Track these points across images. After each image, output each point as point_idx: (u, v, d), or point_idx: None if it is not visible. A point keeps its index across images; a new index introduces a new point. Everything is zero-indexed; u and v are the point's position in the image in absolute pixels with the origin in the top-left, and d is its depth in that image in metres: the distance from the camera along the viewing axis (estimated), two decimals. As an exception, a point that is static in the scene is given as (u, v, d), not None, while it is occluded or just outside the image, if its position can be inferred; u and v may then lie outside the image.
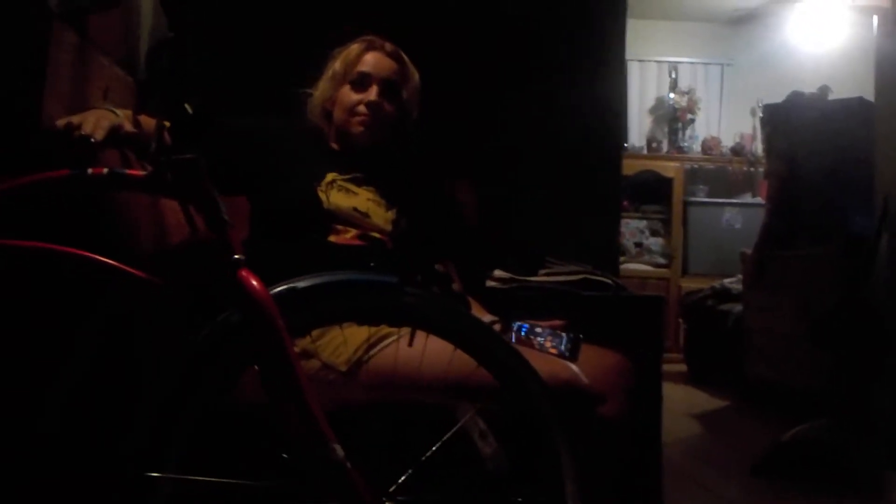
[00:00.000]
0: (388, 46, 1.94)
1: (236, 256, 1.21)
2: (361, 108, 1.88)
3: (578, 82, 2.72)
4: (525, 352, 1.39)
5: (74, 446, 1.28)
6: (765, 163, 5.11)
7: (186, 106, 1.23)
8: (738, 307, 4.71)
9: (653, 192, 6.52)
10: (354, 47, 1.93)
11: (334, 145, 1.93)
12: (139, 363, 1.33)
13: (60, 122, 1.45)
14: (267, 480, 1.16)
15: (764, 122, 4.92)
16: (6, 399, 1.33)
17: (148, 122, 1.57)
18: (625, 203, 6.18)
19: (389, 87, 1.90)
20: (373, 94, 1.88)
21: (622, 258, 5.84)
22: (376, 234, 1.80)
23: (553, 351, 1.67)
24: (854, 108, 4.02)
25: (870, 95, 3.64)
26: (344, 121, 1.89)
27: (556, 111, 2.70)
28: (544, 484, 1.31)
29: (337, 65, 1.92)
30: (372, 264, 1.68)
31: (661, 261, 6.40)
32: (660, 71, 6.85)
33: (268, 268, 1.23)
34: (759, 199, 6.16)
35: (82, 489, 1.28)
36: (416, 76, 1.97)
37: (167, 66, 1.23)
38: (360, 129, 1.88)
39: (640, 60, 6.68)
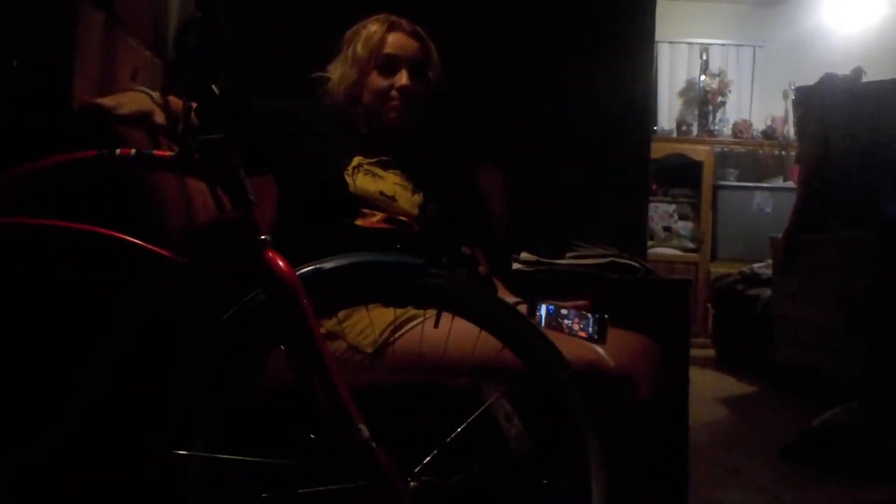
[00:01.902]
0: (407, 25, 1.90)
1: (262, 237, 1.22)
2: (394, 94, 1.85)
3: (608, 65, 2.69)
4: (550, 334, 1.38)
5: (105, 426, 1.30)
6: (797, 146, 5.04)
7: (213, 87, 1.23)
8: (767, 292, 4.65)
9: (682, 175, 6.45)
10: (374, 28, 1.88)
11: (363, 129, 1.90)
12: (167, 343, 1.34)
13: (97, 101, 1.46)
14: (294, 460, 1.17)
15: (796, 104, 4.85)
16: (35, 379, 1.35)
17: (177, 102, 1.58)
18: (653, 186, 6.13)
19: (416, 67, 1.87)
20: (403, 78, 1.85)
21: (650, 242, 5.80)
22: (402, 218, 1.80)
23: (582, 334, 1.66)
24: (888, 90, 3.94)
25: (905, 77, 3.57)
26: (375, 106, 1.86)
27: (584, 94, 2.67)
28: (570, 466, 1.30)
29: (359, 48, 1.87)
30: (398, 247, 1.68)
31: (690, 245, 6.34)
32: (690, 53, 6.76)
33: (294, 250, 1.24)
34: (790, 184, 6.08)
35: (114, 468, 1.29)
36: (435, 53, 1.94)
37: (194, 47, 1.24)
38: (394, 114, 1.86)
39: (670, 42, 6.60)
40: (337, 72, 1.90)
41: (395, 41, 1.88)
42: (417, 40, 1.90)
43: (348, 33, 1.92)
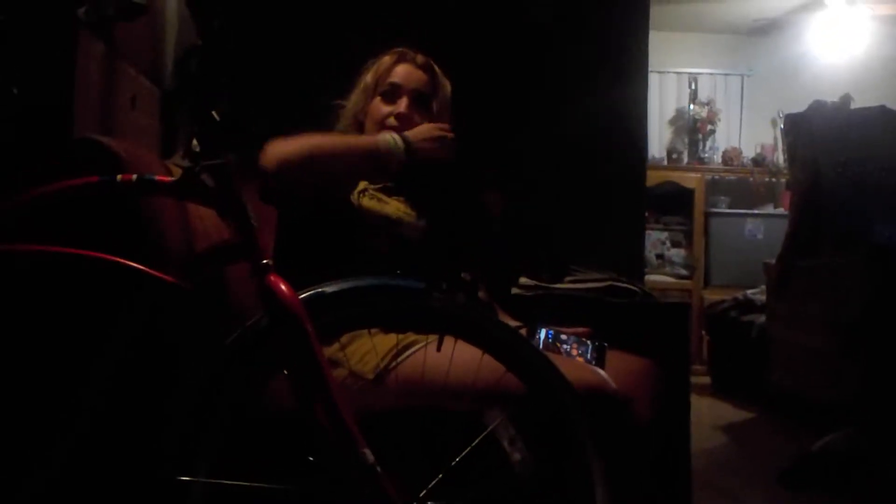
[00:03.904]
0: (420, 58, 1.93)
1: (265, 261, 1.22)
2: (391, 120, 1.87)
3: (602, 94, 2.73)
4: (552, 357, 1.38)
5: (107, 451, 1.29)
6: (787, 173, 5.07)
7: (214, 113, 1.24)
8: (761, 318, 4.66)
9: (674, 203, 6.48)
10: (385, 59, 1.93)
11: None
12: (170, 368, 1.33)
13: None
14: (298, 485, 1.16)
15: (786, 131, 4.89)
16: (36, 403, 1.34)
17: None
18: (645, 215, 6.14)
19: (419, 98, 1.90)
20: (402, 105, 1.87)
21: (644, 270, 5.80)
22: (404, 243, 1.80)
23: (579, 359, 1.67)
24: (877, 117, 3.98)
25: (892, 104, 3.61)
26: (374, 133, 1.89)
27: (579, 123, 2.70)
28: (574, 490, 1.30)
29: (368, 77, 1.92)
30: (399, 271, 1.68)
31: (683, 272, 6.36)
32: (679, 82, 6.83)
33: (295, 274, 1.23)
34: (781, 210, 6.11)
35: (115, 493, 1.28)
36: (447, 87, 1.97)
37: (196, 74, 1.25)
38: None
39: (659, 72, 6.66)
40: (350, 100, 1.95)
41: (402, 71, 1.91)
42: (426, 72, 1.92)
43: (368, 62, 1.96)
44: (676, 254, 6.44)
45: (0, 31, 1.32)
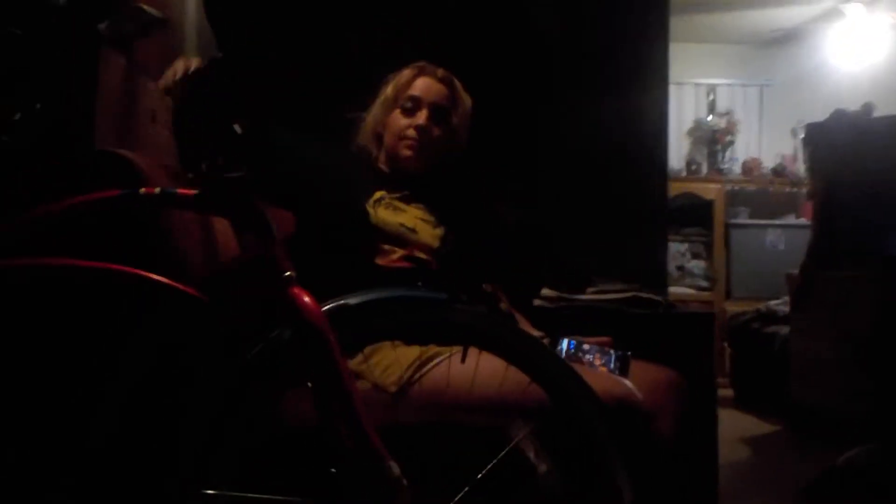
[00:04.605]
0: (440, 72, 1.94)
1: (287, 273, 1.21)
2: (410, 132, 1.88)
3: (623, 106, 2.72)
4: (577, 368, 1.36)
5: (125, 464, 1.28)
6: (807, 183, 5.03)
7: (235, 126, 1.24)
8: (784, 329, 4.61)
9: (693, 214, 6.43)
10: (406, 72, 1.94)
11: (383, 167, 1.94)
12: (191, 381, 1.33)
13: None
14: (320, 498, 1.14)
15: (806, 141, 4.84)
16: (56, 417, 1.34)
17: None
18: (665, 226, 6.10)
19: (439, 111, 1.90)
20: (421, 118, 1.88)
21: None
22: (422, 255, 1.80)
23: (602, 369, 1.65)
24: (896, 126, 3.95)
25: (914, 113, 3.58)
26: (393, 145, 1.90)
27: (600, 135, 2.70)
28: (600, 502, 1.28)
29: (388, 90, 1.94)
30: (419, 283, 1.67)
31: (704, 284, 6.30)
32: (697, 93, 6.80)
33: (312, 286, 1.23)
34: (802, 220, 6.06)
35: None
36: (467, 102, 1.98)
37: (215, 86, 1.25)
38: (409, 153, 1.88)
39: (677, 83, 6.63)
40: (370, 113, 1.96)
41: (422, 84, 1.92)
42: (446, 86, 1.94)
43: (390, 76, 1.97)
44: (697, 265, 6.39)
45: (19, 46, 1.33)
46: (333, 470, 1.16)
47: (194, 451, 1.18)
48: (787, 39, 6.49)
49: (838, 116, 4.30)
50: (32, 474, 1.28)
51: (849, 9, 5.79)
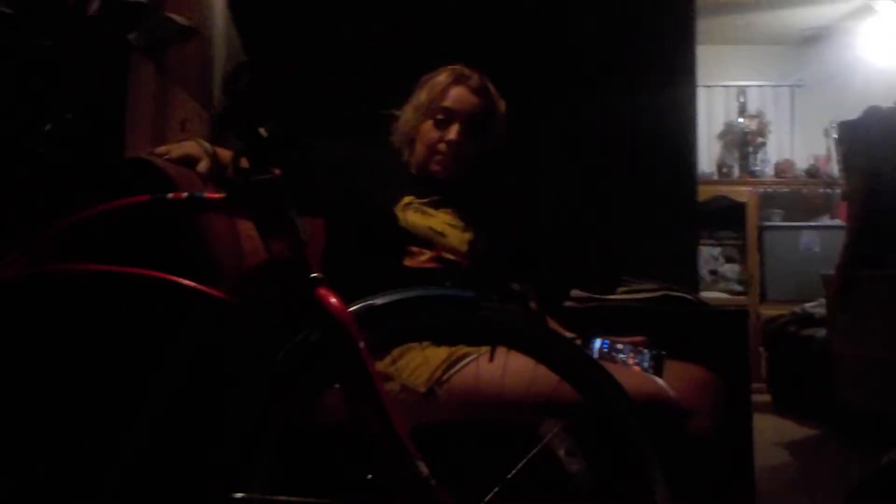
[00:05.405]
0: (475, 80, 1.90)
1: (314, 275, 1.21)
2: (442, 147, 1.86)
3: (651, 107, 2.70)
4: (608, 366, 1.35)
5: (159, 468, 1.29)
6: (842, 183, 4.95)
7: (262, 130, 1.24)
8: (821, 332, 4.54)
9: (726, 218, 6.36)
10: (441, 79, 1.91)
11: (415, 171, 1.92)
12: (221, 384, 1.34)
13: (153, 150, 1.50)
14: (352, 499, 1.14)
15: (840, 139, 4.78)
16: (90, 420, 1.35)
17: (225, 153, 1.61)
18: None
19: (472, 123, 1.88)
20: (453, 132, 1.85)
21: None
22: (450, 256, 1.79)
23: (636, 368, 1.63)
24: (934, 119, 3.88)
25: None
26: (424, 156, 1.88)
27: (629, 138, 2.68)
28: (634, 501, 1.26)
29: (423, 95, 1.91)
30: (448, 284, 1.67)
31: (738, 288, 6.23)
32: (727, 95, 6.74)
33: (343, 286, 1.23)
34: (837, 221, 5.97)
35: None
36: (501, 109, 1.94)
37: (242, 90, 1.25)
38: (439, 167, 1.87)
39: (706, 86, 6.57)
40: (405, 114, 1.93)
41: (457, 95, 1.89)
42: (481, 97, 1.90)
43: (424, 77, 1.94)
44: (730, 269, 6.32)
45: (49, 56, 1.35)
46: (367, 473, 1.16)
47: (227, 454, 1.19)
48: (817, 38, 6.42)
49: (873, 113, 4.24)
50: (62, 478, 1.29)
51: (879, 5, 5.71)
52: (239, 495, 1.16)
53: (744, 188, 6.36)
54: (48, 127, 1.37)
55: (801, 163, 6.55)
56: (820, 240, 6.09)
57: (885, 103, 4.34)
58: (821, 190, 6.37)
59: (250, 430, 1.20)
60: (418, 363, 1.53)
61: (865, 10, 5.82)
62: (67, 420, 1.38)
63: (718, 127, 6.72)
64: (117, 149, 1.49)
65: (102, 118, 1.50)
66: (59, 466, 1.33)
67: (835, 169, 6.19)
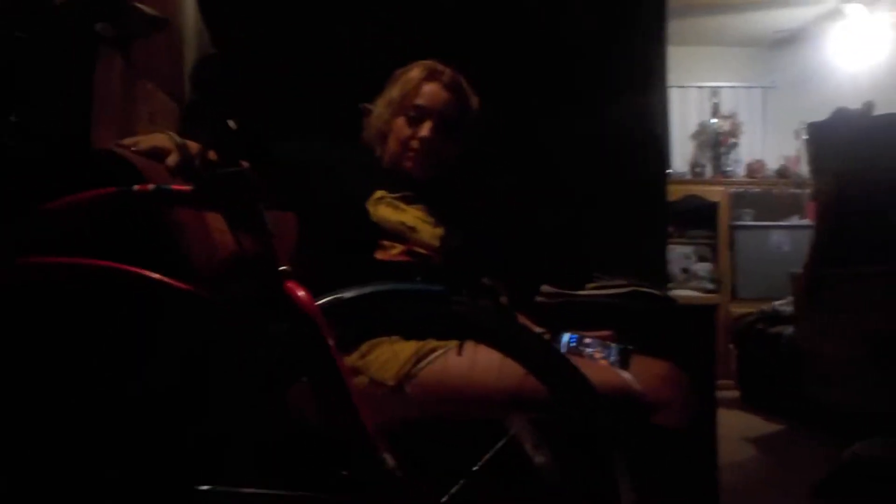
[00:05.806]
0: (447, 76, 1.89)
1: (282, 268, 1.21)
2: (414, 144, 1.86)
3: (622, 109, 2.71)
4: (576, 360, 1.36)
5: (125, 459, 1.28)
6: (811, 183, 5.01)
7: (229, 122, 1.24)
8: (789, 329, 4.60)
9: (698, 217, 6.43)
10: (414, 74, 1.90)
11: (387, 167, 1.92)
12: (189, 377, 1.33)
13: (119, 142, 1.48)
14: (319, 493, 1.14)
15: (809, 140, 4.84)
16: (55, 416, 1.34)
17: (194, 145, 1.60)
18: (670, 229, 6.10)
19: (445, 120, 1.88)
20: (426, 129, 1.85)
21: (669, 285, 5.74)
22: (422, 251, 1.79)
23: (603, 362, 1.64)
24: (900, 123, 3.94)
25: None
26: (396, 153, 1.88)
27: (600, 137, 2.69)
28: (599, 494, 1.27)
29: (395, 91, 1.89)
30: (418, 278, 1.67)
31: (710, 286, 6.28)
32: (700, 96, 6.80)
33: (312, 284, 1.23)
34: (806, 221, 6.04)
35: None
36: (475, 104, 1.93)
37: (208, 82, 1.25)
38: (411, 164, 1.87)
39: (680, 87, 6.63)
40: (377, 108, 1.92)
41: (430, 91, 1.88)
42: (453, 93, 1.89)
43: (397, 72, 1.93)
44: (702, 268, 6.38)
45: (15, 47, 1.33)
46: (335, 466, 1.16)
47: (193, 447, 1.18)
48: (788, 41, 6.50)
49: (840, 115, 4.30)
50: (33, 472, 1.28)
51: (850, 9, 5.78)
52: (204, 487, 1.16)
53: (716, 188, 6.43)
54: (13, 118, 1.35)
55: (772, 163, 6.62)
56: (790, 239, 6.17)
57: (854, 105, 4.40)
58: (791, 190, 6.45)
59: (218, 423, 1.19)
60: (387, 357, 1.53)
61: (836, 13, 5.90)
62: (38, 416, 1.37)
63: (692, 127, 6.77)
64: (84, 141, 1.47)
65: (69, 110, 1.49)
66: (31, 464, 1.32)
67: (805, 169, 6.26)
